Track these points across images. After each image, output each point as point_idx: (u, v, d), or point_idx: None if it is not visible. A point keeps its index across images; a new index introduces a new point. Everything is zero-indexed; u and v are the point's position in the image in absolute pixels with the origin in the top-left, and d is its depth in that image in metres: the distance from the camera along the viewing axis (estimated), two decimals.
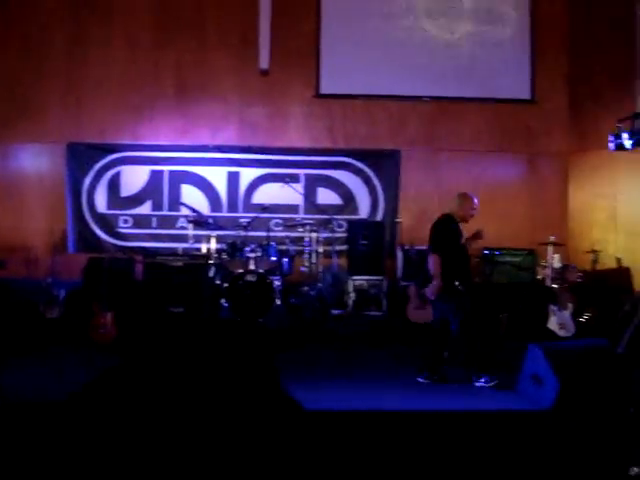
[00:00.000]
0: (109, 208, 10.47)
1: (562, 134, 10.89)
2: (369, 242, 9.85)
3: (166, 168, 10.49)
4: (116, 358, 7.43)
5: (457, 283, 6.69)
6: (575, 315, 8.86)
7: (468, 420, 5.55)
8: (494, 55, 10.75)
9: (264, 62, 10.37)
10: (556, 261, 9.31)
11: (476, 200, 7.01)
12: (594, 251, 9.35)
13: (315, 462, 5.11)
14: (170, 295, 8.48)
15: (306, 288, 9.31)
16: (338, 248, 10.08)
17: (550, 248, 9.38)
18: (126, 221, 10.48)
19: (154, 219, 10.48)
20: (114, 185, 10.47)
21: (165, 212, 10.48)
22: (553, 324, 8.78)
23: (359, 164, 10.66)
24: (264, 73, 10.47)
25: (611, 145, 9.13)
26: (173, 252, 9.93)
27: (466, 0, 10.75)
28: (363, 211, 10.71)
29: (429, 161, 10.82)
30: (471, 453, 5.25)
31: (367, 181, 10.69)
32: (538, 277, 9.61)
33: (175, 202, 10.39)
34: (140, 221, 10.48)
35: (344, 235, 10.29)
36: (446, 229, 6.80)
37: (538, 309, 8.93)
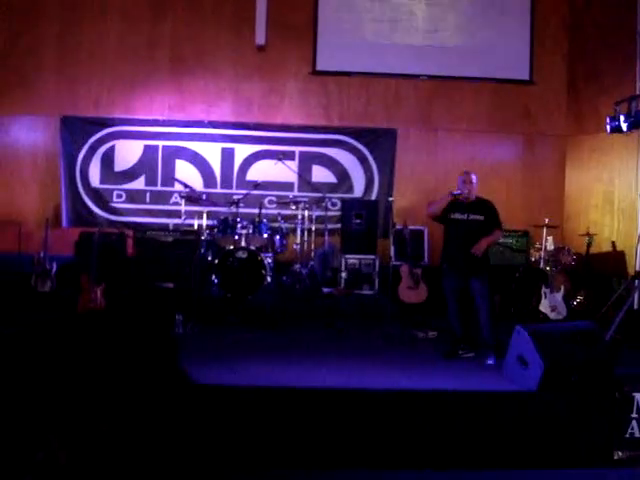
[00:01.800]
0: (103, 182, 10.41)
1: (560, 116, 10.81)
2: (363, 221, 9.81)
3: (160, 143, 10.42)
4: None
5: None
6: (567, 298, 8.84)
7: (454, 400, 5.53)
8: (493, 35, 10.63)
9: (260, 38, 10.27)
10: (550, 243, 9.27)
11: (462, 177, 6.90)
12: (589, 234, 9.30)
13: (297, 441, 5.11)
14: (160, 270, 8.44)
15: (298, 266, 9.29)
16: (331, 226, 10.05)
17: (545, 230, 9.35)
18: (120, 196, 10.43)
19: (148, 194, 10.43)
20: (108, 159, 10.40)
21: (159, 187, 10.43)
22: (545, 306, 8.76)
23: (354, 142, 10.59)
24: (260, 49, 10.37)
25: (608, 127, 9.07)
26: (164, 227, 9.89)
27: None
28: (358, 190, 10.65)
29: (425, 140, 10.75)
30: (456, 433, 5.25)
31: (362, 160, 10.63)
32: (532, 259, 9.58)
33: (169, 177, 10.34)
34: (134, 196, 10.43)
35: (338, 214, 10.27)
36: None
37: (531, 291, 8.91)
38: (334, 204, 10.39)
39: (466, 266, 6.75)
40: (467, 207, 6.82)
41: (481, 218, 6.78)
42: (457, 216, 6.83)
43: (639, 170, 8.57)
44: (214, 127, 10.44)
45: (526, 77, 10.73)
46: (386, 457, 5.14)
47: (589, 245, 9.26)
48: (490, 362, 6.52)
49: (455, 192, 6.80)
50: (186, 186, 9.57)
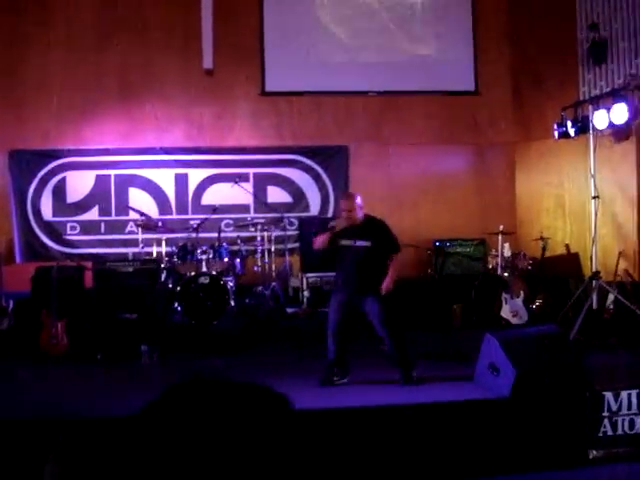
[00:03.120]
0: (55, 215, 10.25)
1: (507, 124, 11.03)
2: None
3: (112, 172, 10.31)
4: (68, 369, 7.34)
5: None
6: (527, 302, 8.99)
7: (428, 412, 5.57)
8: (438, 48, 10.82)
9: (208, 61, 10.27)
10: (506, 250, 9.42)
11: (341, 202, 6.72)
12: (543, 238, 9.48)
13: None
14: (122, 301, 8.31)
15: (260, 288, 9.26)
16: (290, 246, 10.05)
17: (500, 237, 9.50)
18: (74, 228, 10.28)
19: (102, 224, 10.30)
20: (59, 191, 10.24)
21: (113, 217, 10.31)
22: (506, 312, 8.89)
23: (308, 161, 10.64)
24: (209, 72, 10.37)
25: (556, 133, 9.31)
26: (123, 257, 9.76)
27: None
28: (314, 208, 10.69)
29: (377, 156, 10.85)
30: (434, 445, 5.28)
31: (316, 178, 10.68)
32: (489, 266, 9.72)
33: (123, 206, 10.21)
34: (88, 227, 10.28)
35: (296, 233, 10.28)
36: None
37: (491, 298, 9.04)
38: (292, 224, 10.41)
39: (360, 288, 6.45)
40: (353, 232, 6.44)
41: (368, 244, 6.41)
42: (344, 242, 6.48)
43: (588, 173, 8.79)
44: (166, 153, 10.38)
45: (472, 88, 10.94)
46: (363, 474, 5.14)
47: (544, 249, 9.45)
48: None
49: (330, 224, 6.57)
50: (142, 214, 9.47)
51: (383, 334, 6.45)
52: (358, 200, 6.56)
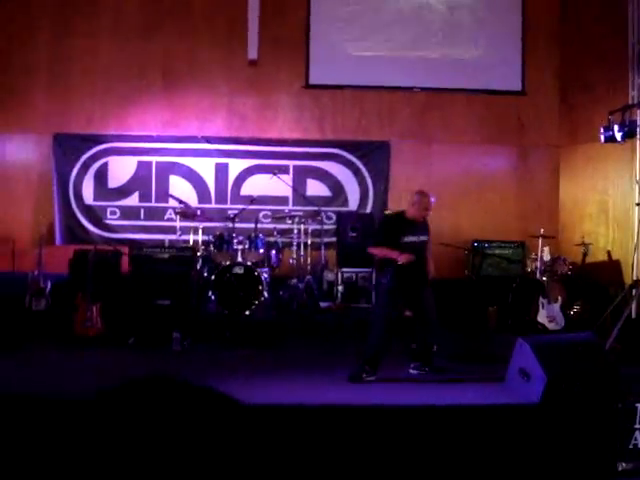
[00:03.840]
0: (96, 199, 10.36)
1: (553, 126, 10.85)
2: (358, 234, 9.80)
3: (154, 159, 10.38)
4: (101, 352, 7.42)
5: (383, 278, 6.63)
6: (564, 308, 8.83)
7: (457, 415, 5.50)
8: (486, 46, 10.66)
9: (252, 52, 10.28)
10: (546, 254, 9.26)
11: (419, 198, 6.60)
12: (584, 244, 9.30)
13: (302, 458, 5.06)
14: (157, 288, 8.35)
15: (294, 280, 9.25)
16: (327, 240, 10.02)
17: (540, 241, 9.35)
18: (114, 212, 10.39)
19: (142, 210, 10.39)
20: (101, 176, 10.35)
21: (153, 204, 10.38)
22: (542, 317, 8.74)
23: (348, 155, 10.58)
24: (252, 63, 10.37)
25: (602, 137, 9.11)
26: (160, 244, 9.84)
27: None
28: (352, 203, 10.64)
29: (419, 153, 10.75)
30: (460, 448, 5.21)
31: (356, 173, 10.62)
32: (528, 270, 9.58)
33: (163, 194, 10.28)
34: (128, 213, 10.38)
35: (333, 227, 10.26)
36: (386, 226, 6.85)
37: (528, 302, 8.90)
38: (329, 217, 10.37)
39: (419, 281, 6.62)
40: (416, 228, 6.60)
41: (426, 238, 6.71)
42: (409, 239, 6.52)
43: (633, 179, 8.59)
44: (208, 142, 10.42)
45: (518, 88, 10.77)
46: (392, 474, 5.09)
47: (585, 255, 9.27)
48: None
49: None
50: (180, 202, 9.53)
51: (432, 325, 6.67)
52: (433, 199, 6.70)
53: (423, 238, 6.66)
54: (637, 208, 8.39)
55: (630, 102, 9.12)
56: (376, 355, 6.48)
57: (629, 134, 8.70)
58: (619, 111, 8.90)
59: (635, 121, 8.58)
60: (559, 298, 8.84)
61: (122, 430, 1.27)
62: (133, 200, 10.39)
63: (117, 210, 10.37)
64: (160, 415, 1.31)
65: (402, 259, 6.39)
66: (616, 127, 8.81)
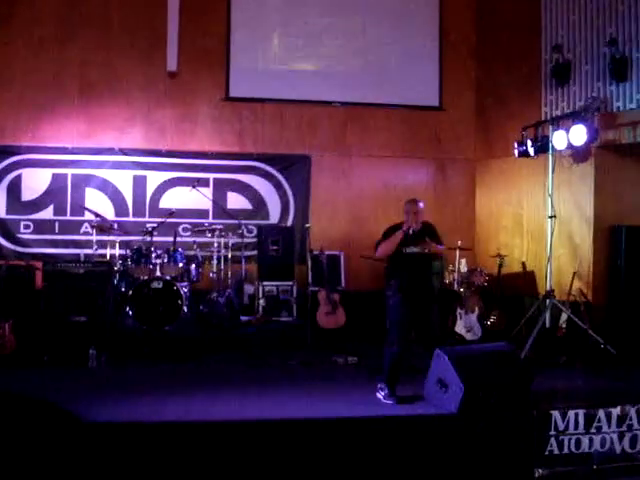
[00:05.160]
0: (9, 213, 9.98)
1: (469, 140, 11.09)
2: (279, 247, 9.80)
3: (69, 171, 10.08)
4: (14, 370, 7.16)
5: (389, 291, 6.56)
6: (481, 318, 9.02)
7: (376, 426, 5.53)
8: (404, 62, 10.84)
9: (172, 63, 10.14)
10: (463, 265, 9.47)
11: (408, 207, 6.57)
12: (500, 255, 9.53)
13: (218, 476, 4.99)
14: (72, 303, 8.16)
15: (215, 294, 9.17)
16: (247, 254, 9.96)
17: (457, 252, 9.54)
18: (27, 226, 10.04)
19: (56, 224, 10.06)
20: (14, 189, 9.98)
21: (68, 217, 10.07)
22: (460, 327, 8.92)
23: (269, 169, 10.55)
24: (172, 75, 10.24)
25: (516, 152, 9.39)
26: (75, 259, 9.57)
27: (378, 6, 10.79)
28: (274, 216, 10.60)
29: (340, 166, 10.81)
30: (379, 459, 5.23)
31: (277, 186, 10.59)
32: (446, 281, 9.75)
33: (78, 207, 10.00)
34: (42, 226, 10.03)
35: (254, 240, 10.21)
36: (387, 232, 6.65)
37: (446, 313, 9.05)
38: (250, 231, 10.31)
39: (426, 296, 6.51)
40: (416, 236, 6.47)
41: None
42: (408, 250, 6.46)
43: (546, 192, 8.86)
44: (125, 154, 10.20)
45: (436, 104, 10.98)
46: None
47: (500, 266, 9.50)
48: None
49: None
50: (97, 215, 9.31)
51: (434, 340, 6.38)
52: (421, 204, 6.58)
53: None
54: (550, 221, 8.64)
55: (543, 118, 9.42)
56: (394, 372, 6.31)
57: (541, 149, 9.00)
58: (532, 127, 9.20)
59: (547, 136, 8.88)
60: (476, 309, 9.05)
61: None
62: (47, 213, 10.06)
63: (31, 224, 10.03)
64: None
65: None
66: (529, 142, 9.11)
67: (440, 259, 9.98)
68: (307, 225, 9.95)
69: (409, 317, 6.40)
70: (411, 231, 6.38)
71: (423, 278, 6.55)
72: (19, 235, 10.00)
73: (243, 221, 10.00)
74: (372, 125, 10.84)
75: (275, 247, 9.78)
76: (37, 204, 10.05)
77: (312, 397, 6.32)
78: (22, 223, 10.02)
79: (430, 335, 6.47)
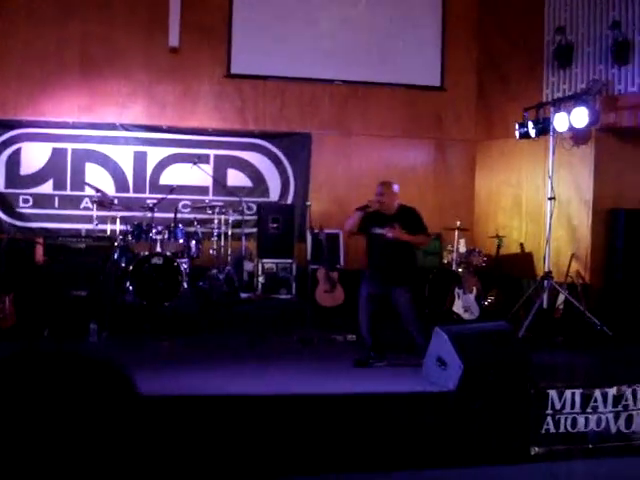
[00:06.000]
0: (8, 187, 9.96)
1: (470, 121, 11.09)
2: (279, 225, 9.80)
3: (69, 146, 10.06)
4: (14, 344, 7.19)
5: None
6: (479, 298, 9.08)
7: (374, 403, 5.59)
8: (406, 41, 10.79)
9: (173, 39, 10.08)
10: (462, 246, 9.51)
11: (378, 188, 6.74)
12: (498, 236, 9.58)
13: (221, 450, 5.05)
14: (72, 278, 8.17)
15: (214, 271, 9.19)
16: (247, 231, 9.98)
17: (456, 233, 9.58)
18: (26, 200, 10.03)
19: (56, 199, 10.06)
20: (13, 163, 9.95)
21: (68, 192, 10.07)
22: (458, 307, 8.97)
23: (270, 146, 10.55)
24: (173, 50, 10.19)
25: (517, 133, 9.39)
26: (76, 233, 9.58)
27: None
28: (274, 194, 10.61)
29: (340, 145, 10.82)
30: (377, 435, 5.29)
31: (278, 164, 10.60)
32: (444, 261, 9.80)
33: (79, 182, 10.00)
34: (41, 201, 10.03)
35: (254, 218, 10.23)
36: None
37: (444, 292, 9.11)
38: (250, 208, 10.33)
39: (388, 278, 6.59)
40: (387, 219, 6.58)
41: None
42: (377, 230, 6.59)
43: (545, 175, 8.89)
44: (126, 130, 10.17)
45: (437, 84, 10.96)
46: (306, 463, 5.13)
47: (499, 247, 9.55)
48: None
49: (360, 206, 6.63)
50: (97, 190, 9.30)
51: (412, 328, 6.59)
52: (394, 188, 6.70)
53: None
54: (549, 202, 8.68)
55: (544, 100, 9.42)
56: (372, 341, 6.63)
57: (542, 131, 9.01)
58: (533, 108, 9.20)
59: (548, 118, 8.88)
60: (474, 289, 9.10)
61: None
62: (47, 188, 10.04)
63: (30, 198, 10.02)
64: (38, 389, 1.29)
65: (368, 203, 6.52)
66: (530, 124, 9.11)
67: (436, 239, 10.06)
68: (307, 203, 9.98)
69: (370, 297, 6.65)
70: (369, 209, 6.57)
71: (387, 260, 6.58)
72: (18, 209, 9.99)
73: (243, 198, 10.01)
74: (373, 104, 10.82)
75: (275, 225, 9.79)
76: (36, 178, 10.02)
77: (311, 374, 6.37)
78: (21, 197, 10.01)
79: (403, 319, 6.62)
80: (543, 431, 5.40)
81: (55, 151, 10.06)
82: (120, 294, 8.46)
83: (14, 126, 9.92)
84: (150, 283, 8.41)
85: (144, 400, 1.39)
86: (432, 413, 5.54)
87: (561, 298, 8.50)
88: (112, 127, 10.14)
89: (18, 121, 9.92)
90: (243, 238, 9.82)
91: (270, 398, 5.48)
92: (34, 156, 10.02)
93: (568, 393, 5.47)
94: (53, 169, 10.05)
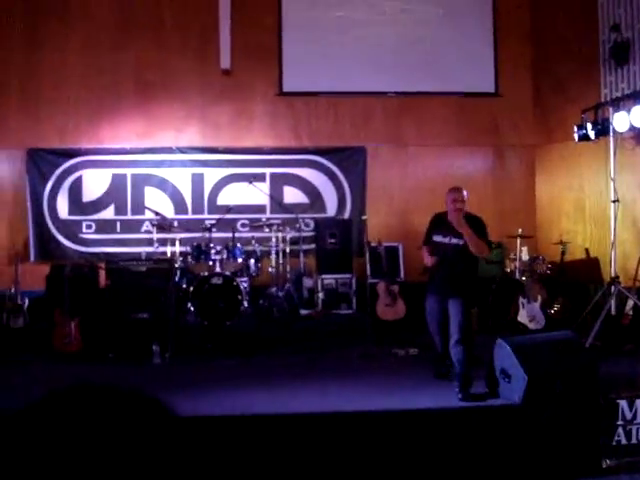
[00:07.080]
0: (71, 214, 10.23)
1: (527, 126, 10.88)
2: (337, 240, 9.77)
3: (128, 171, 10.28)
4: (81, 368, 7.33)
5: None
6: (545, 307, 8.85)
7: (438, 418, 5.49)
8: (458, 48, 10.68)
9: (225, 61, 10.23)
10: (524, 253, 9.30)
11: (452, 195, 6.40)
12: (562, 242, 9.34)
13: (283, 467, 5.02)
14: (135, 301, 8.28)
15: (274, 289, 9.20)
16: (305, 247, 9.98)
17: (518, 241, 9.38)
18: (89, 226, 10.27)
19: (118, 224, 10.27)
20: (75, 190, 10.23)
21: (129, 216, 10.27)
22: (523, 317, 8.76)
23: (325, 162, 10.56)
24: (226, 72, 10.32)
25: (576, 136, 9.17)
26: (137, 257, 9.73)
27: None
28: (330, 209, 10.60)
29: (396, 157, 10.75)
30: (443, 451, 5.19)
31: (333, 179, 10.59)
32: (507, 270, 9.59)
33: (139, 206, 10.19)
34: (103, 226, 10.26)
35: (311, 234, 10.21)
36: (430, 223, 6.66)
37: (508, 302, 8.91)
38: (307, 224, 10.33)
39: (445, 287, 6.32)
40: (448, 228, 6.29)
41: (461, 242, 6.19)
42: (437, 239, 6.41)
43: (608, 177, 8.64)
44: (183, 152, 10.34)
45: (492, 90, 10.80)
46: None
47: (563, 253, 9.31)
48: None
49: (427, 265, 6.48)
50: (157, 214, 9.46)
51: (453, 350, 6.15)
52: (465, 193, 6.39)
53: (455, 241, 6.23)
54: (613, 205, 8.43)
55: (602, 100, 9.18)
56: (435, 364, 6.60)
57: (602, 132, 8.77)
58: (592, 109, 8.98)
59: (607, 119, 8.65)
60: (539, 297, 8.87)
61: (46, 441, 1.24)
62: (109, 213, 10.27)
63: (93, 224, 10.25)
64: (84, 423, 1.27)
65: (426, 261, 6.42)
66: (589, 125, 8.88)
67: (497, 247, 9.85)
68: (364, 217, 9.92)
69: (432, 309, 6.43)
70: (452, 223, 6.22)
71: (448, 268, 6.28)
72: (81, 235, 10.23)
73: (300, 215, 10.02)
74: (427, 114, 10.73)
75: (333, 240, 9.76)
76: (98, 204, 10.26)
77: (374, 389, 6.29)
78: (84, 223, 10.24)
79: (451, 331, 6.17)
80: (614, 443, 5.20)
81: (115, 177, 10.28)
82: (182, 315, 8.55)
83: (74, 154, 10.17)
84: (211, 303, 8.47)
85: (182, 423, 1.37)
86: (499, 427, 5.40)
87: (630, 303, 8.21)
88: (169, 151, 10.31)
89: (78, 149, 10.18)
90: (301, 255, 9.82)
91: (336, 416, 5.44)
92: (95, 183, 10.26)
93: (639, 403, 5.26)
94: (114, 195, 10.27)
